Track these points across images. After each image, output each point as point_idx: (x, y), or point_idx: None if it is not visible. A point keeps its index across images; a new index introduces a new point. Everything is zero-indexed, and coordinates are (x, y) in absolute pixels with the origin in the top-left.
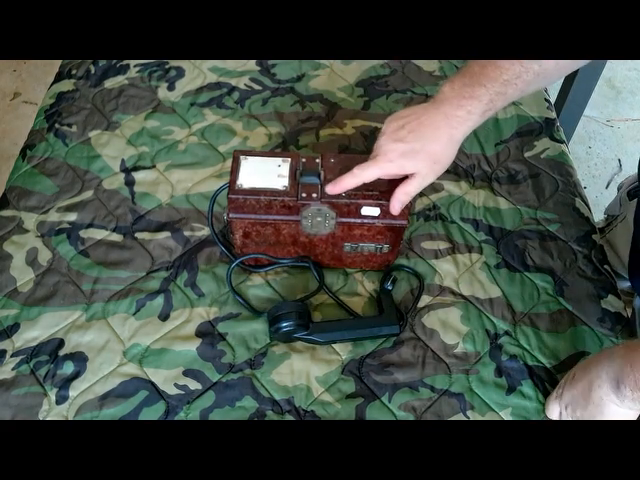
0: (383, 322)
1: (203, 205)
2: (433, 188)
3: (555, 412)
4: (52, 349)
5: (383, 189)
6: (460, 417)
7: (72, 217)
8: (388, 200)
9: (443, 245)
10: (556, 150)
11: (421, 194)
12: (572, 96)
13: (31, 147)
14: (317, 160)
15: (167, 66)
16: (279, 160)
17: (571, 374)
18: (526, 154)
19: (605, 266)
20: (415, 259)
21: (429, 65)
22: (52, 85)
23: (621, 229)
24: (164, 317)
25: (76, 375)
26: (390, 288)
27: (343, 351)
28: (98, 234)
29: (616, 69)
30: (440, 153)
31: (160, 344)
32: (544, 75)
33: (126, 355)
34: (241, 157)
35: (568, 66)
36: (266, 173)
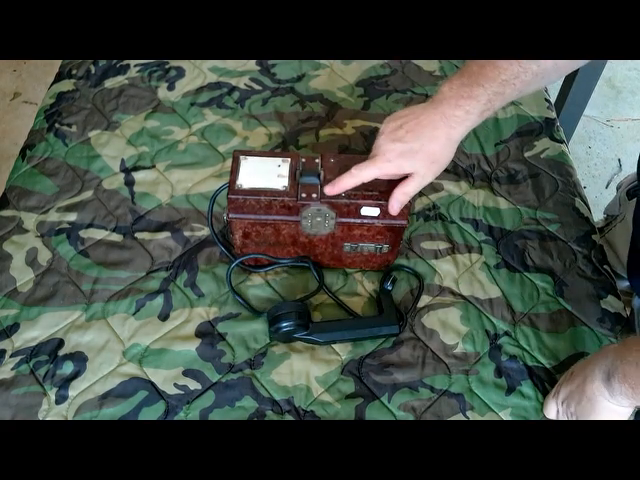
0: (383, 322)
1: (203, 205)
2: (433, 188)
3: (552, 410)
4: (52, 349)
5: (383, 189)
6: (460, 417)
7: (72, 217)
8: (387, 200)
9: (443, 245)
10: (556, 150)
11: (421, 194)
12: (572, 96)
13: (31, 147)
14: (317, 160)
15: (167, 66)
16: (279, 160)
17: (569, 372)
18: (526, 154)
19: (605, 266)
20: (415, 259)
21: (429, 65)
22: (52, 85)
23: (620, 229)
24: (164, 317)
25: (76, 375)
26: (390, 288)
27: (343, 351)
28: (98, 234)
29: (616, 69)
30: (438, 153)
31: (160, 344)
32: (543, 75)
33: (126, 355)
34: (241, 157)
35: (567, 66)
36: (266, 173)
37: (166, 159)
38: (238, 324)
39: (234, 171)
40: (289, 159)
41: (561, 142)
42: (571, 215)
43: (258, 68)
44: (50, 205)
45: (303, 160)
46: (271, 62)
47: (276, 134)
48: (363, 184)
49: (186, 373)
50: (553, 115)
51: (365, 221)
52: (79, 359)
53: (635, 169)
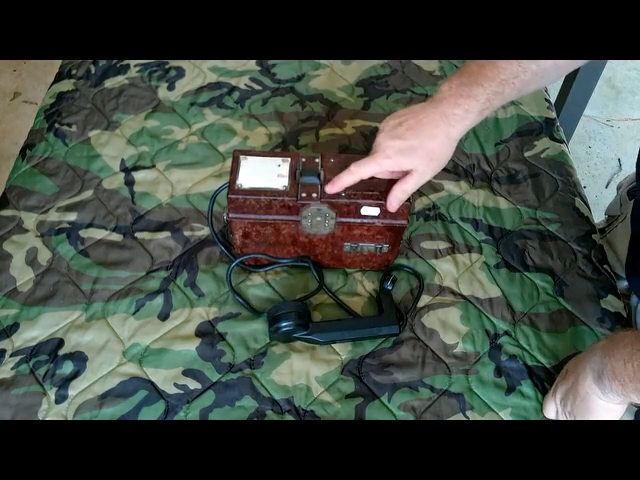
0: (383, 322)
1: (203, 205)
2: (433, 188)
3: (551, 410)
4: (52, 349)
5: (383, 189)
6: (460, 417)
7: (72, 217)
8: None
9: (443, 245)
10: (556, 150)
11: (421, 194)
12: (572, 96)
13: (31, 147)
14: (317, 160)
15: (167, 66)
16: (279, 160)
17: (564, 370)
18: (526, 154)
19: (605, 266)
20: (415, 259)
21: (429, 65)
22: (52, 85)
23: (621, 229)
24: (164, 317)
25: (75, 375)
26: (390, 288)
27: (343, 351)
28: (98, 234)
29: (616, 69)
30: (437, 150)
31: (160, 344)
32: (542, 75)
33: (126, 355)
34: (241, 157)
35: (566, 66)
36: (266, 173)
37: (166, 159)
38: (238, 324)
39: (234, 171)
40: (289, 159)
41: (561, 142)
42: (571, 215)
43: (258, 68)
44: (50, 205)
45: (303, 160)
46: (271, 62)
47: (276, 134)
48: (363, 184)
49: (186, 373)
50: (553, 115)
51: (365, 221)
52: (79, 359)
53: (635, 169)
